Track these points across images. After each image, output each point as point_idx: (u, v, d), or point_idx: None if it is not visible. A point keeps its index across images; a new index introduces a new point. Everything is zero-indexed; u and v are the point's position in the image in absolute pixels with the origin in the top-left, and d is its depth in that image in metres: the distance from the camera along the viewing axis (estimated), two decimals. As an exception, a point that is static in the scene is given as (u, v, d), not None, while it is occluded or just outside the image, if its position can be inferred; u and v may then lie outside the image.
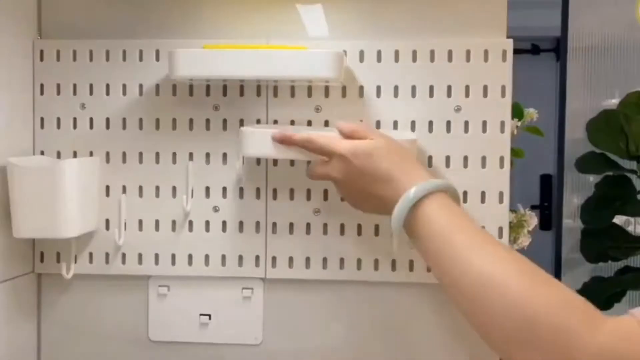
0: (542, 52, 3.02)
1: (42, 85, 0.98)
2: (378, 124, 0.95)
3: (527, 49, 2.98)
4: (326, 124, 0.95)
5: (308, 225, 0.96)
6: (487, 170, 0.94)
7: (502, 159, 0.94)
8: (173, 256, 0.98)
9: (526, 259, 0.65)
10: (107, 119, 0.98)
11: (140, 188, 0.98)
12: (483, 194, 0.94)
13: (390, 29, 0.95)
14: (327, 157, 0.80)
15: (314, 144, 0.81)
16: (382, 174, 0.74)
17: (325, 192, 0.96)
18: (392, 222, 0.70)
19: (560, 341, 0.56)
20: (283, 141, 0.83)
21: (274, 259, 0.96)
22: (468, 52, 0.93)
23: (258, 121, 0.96)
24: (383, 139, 0.78)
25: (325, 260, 0.96)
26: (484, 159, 0.94)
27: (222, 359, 0.99)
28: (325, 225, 0.96)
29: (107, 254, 0.98)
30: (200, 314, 0.99)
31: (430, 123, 0.94)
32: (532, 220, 1.01)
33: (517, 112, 1.01)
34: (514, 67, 0.93)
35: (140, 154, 0.97)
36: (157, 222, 0.98)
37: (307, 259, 0.96)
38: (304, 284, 0.97)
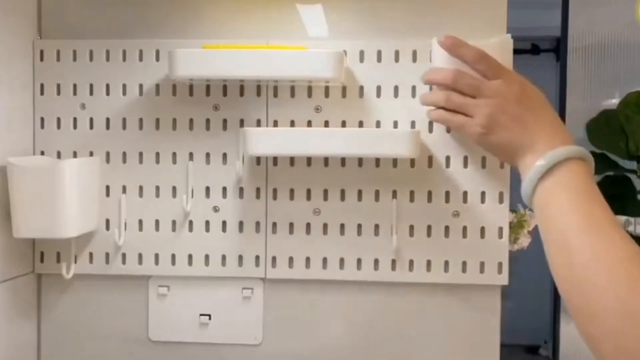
0: (542, 52, 3.02)
1: (42, 85, 0.98)
2: (378, 124, 0.95)
3: (527, 49, 2.99)
4: (326, 124, 0.95)
5: (308, 225, 0.96)
6: (487, 170, 0.94)
7: (502, 159, 0.94)
8: (173, 256, 0.98)
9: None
10: (107, 119, 0.98)
11: (140, 188, 0.98)
12: (483, 194, 0.94)
13: (390, 29, 0.95)
14: (496, 75, 0.77)
15: (488, 60, 0.77)
16: (535, 117, 0.73)
17: (325, 192, 0.96)
18: (522, 188, 0.71)
19: None
20: (453, 46, 0.78)
21: (274, 259, 0.96)
22: (468, 52, 0.93)
23: (258, 121, 0.96)
24: None
25: (325, 260, 0.96)
26: (484, 159, 0.94)
27: (222, 359, 0.99)
28: (325, 225, 0.96)
29: (107, 254, 0.98)
30: (200, 314, 0.99)
31: (431, 123, 0.94)
32: (532, 220, 1.01)
33: (517, 112, 1.01)
34: (514, 67, 0.93)
35: (140, 154, 0.97)
36: (157, 222, 0.98)
37: (307, 259, 0.96)
38: (304, 284, 0.97)
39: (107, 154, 0.98)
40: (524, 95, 0.75)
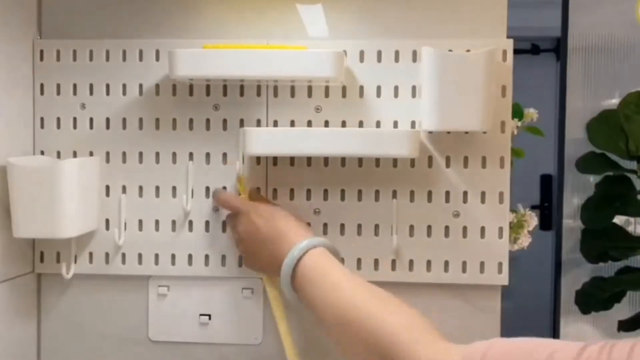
0: (542, 52, 3.02)
1: (42, 85, 0.98)
2: (378, 124, 0.95)
3: (527, 49, 2.98)
4: (326, 124, 0.95)
5: (308, 225, 0.96)
6: (487, 170, 0.94)
7: (502, 159, 0.94)
8: (173, 256, 0.98)
9: (383, 290, 0.79)
10: (107, 119, 0.98)
11: (140, 188, 0.98)
12: (483, 194, 0.94)
13: (390, 29, 0.95)
14: (235, 212, 0.92)
15: (219, 200, 0.94)
16: (278, 232, 0.86)
17: (325, 192, 0.96)
18: (282, 270, 0.83)
19: (400, 353, 0.70)
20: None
21: (274, 259, 0.96)
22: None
23: (258, 121, 0.96)
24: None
25: (325, 260, 0.96)
26: (484, 159, 0.94)
27: (222, 359, 0.99)
28: (325, 225, 0.96)
29: (107, 254, 0.98)
30: (200, 314, 0.99)
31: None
32: (532, 220, 1.01)
33: (517, 112, 1.01)
34: (514, 67, 0.93)
35: (140, 154, 0.97)
36: (157, 222, 0.98)
37: (307, 259, 0.96)
38: (304, 284, 0.97)
39: (107, 154, 0.98)
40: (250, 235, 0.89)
